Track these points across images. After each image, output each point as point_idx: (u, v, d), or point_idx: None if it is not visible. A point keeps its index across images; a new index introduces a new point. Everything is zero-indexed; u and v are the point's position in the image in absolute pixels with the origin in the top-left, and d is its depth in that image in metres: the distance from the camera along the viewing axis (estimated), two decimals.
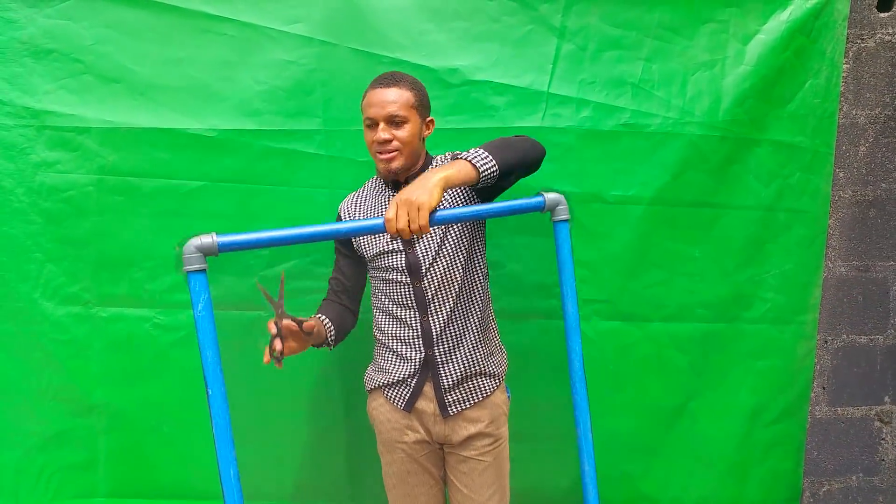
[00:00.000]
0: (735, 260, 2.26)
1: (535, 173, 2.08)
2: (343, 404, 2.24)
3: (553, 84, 2.13)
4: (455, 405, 1.75)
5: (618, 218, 2.18)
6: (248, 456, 2.16)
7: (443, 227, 1.70)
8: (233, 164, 2.11)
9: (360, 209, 1.81)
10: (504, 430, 1.83)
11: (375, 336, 1.85)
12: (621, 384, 2.27)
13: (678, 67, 2.16)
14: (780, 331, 2.31)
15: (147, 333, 2.13)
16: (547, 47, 2.13)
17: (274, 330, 1.46)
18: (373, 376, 1.85)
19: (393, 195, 1.72)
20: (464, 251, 1.73)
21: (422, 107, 1.68)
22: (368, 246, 1.76)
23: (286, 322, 1.49)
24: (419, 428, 1.78)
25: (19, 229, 2.07)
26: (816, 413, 2.46)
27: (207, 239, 1.34)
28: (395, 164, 1.65)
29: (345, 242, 1.82)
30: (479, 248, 1.79)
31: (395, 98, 1.62)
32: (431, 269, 1.70)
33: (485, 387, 1.79)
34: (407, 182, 1.71)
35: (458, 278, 1.72)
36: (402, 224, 1.39)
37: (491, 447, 1.78)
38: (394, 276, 1.73)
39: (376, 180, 1.83)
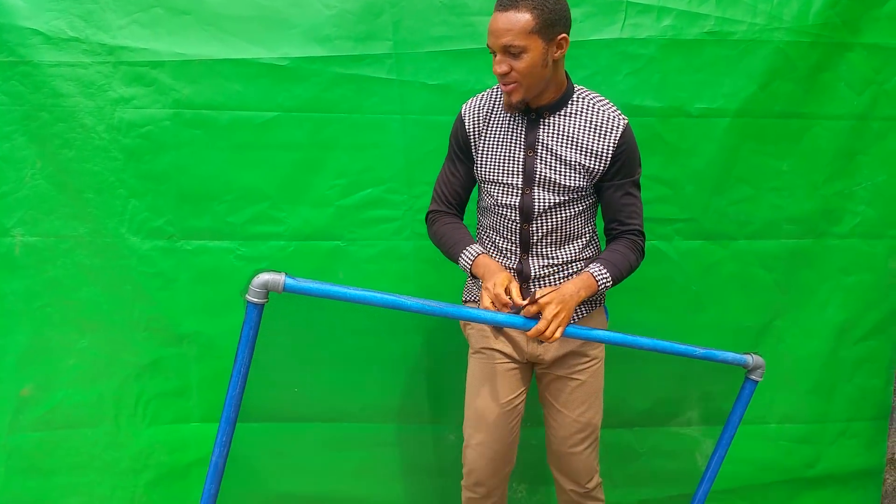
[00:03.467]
0: (824, 173, 2.21)
1: (614, 87, 2.07)
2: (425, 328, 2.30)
3: None
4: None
5: (702, 132, 2.14)
6: (332, 376, 2.28)
7: (565, 179, 1.64)
8: (304, 93, 2.13)
9: (489, 122, 1.69)
10: (599, 351, 1.82)
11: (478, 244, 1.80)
12: (703, 305, 2.28)
13: None
14: (871, 245, 2.27)
15: (231, 265, 2.22)
16: None
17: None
18: (471, 288, 1.87)
19: (527, 119, 1.64)
20: (579, 205, 1.69)
21: (547, 28, 1.48)
22: (486, 169, 1.70)
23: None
24: (510, 342, 1.78)
25: (103, 166, 2.14)
26: None
27: (277, 278, 1.43)
28: (516, 98, 1.55)
29: (464, 149, 1.73)
30: (594, 202, 1.75)
31: (510, 25, 1.46)
32: (543, 216, 1.67)
33: (580, 309, 1.77)
34: (542, 112, 1.62)
35: (568, 228, 1.70)
36: (549, 335, 1.50)
37: (585, 366, 1.78)
38: (503, 210, 1.69)
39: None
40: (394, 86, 2.13)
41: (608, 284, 1.63)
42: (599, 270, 1.62)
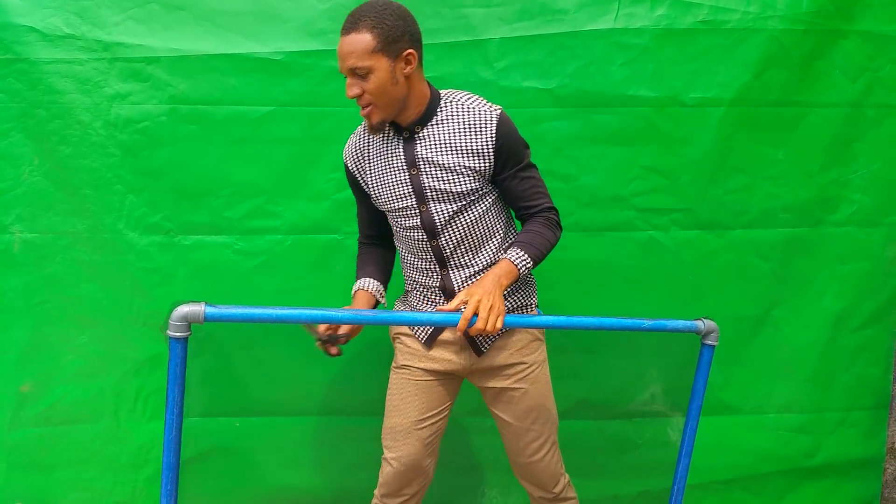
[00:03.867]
0: (820, 161, 2.22)
1: (608, 77, 2.07)
2: None
3: None
4: (486, 342, 1.70)
5: (697, 121, 2.15)
6: (331, 371, 2.30)
7: (455, 186, 1.60)
8: (299, 87, 2.15)
9: (367, 156, 1.68)
10: (538, 356, 1.76)
11: (402, 270, 1.81)
12: (701, 294, 2.29)
13: None
14: (868, 233, 2.28)
15: (228, 259, 2.23)
16: None
17: (334, 351, 1.64)
18: (399, 302, 1.85)
19: (402, 139, 1.61)
20: (479, 207, 1.64)
21: (389, 46, 1.46)
22: (380, 200, 1.69)
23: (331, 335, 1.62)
24: (440, 359, 1.73)
25: (100, 162, 2.16)
26: None
27: (196, 308, 1.35)
28: (375, 119, 1.53)
29: (357, 187, 1.74)
30: (495, 199, 1.69)
31: (352, 47, 1.45)
32: (447, 228, 1.63)
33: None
34: (413, 128, 1.59)
35: (477, 232, 1.65)
36: (482, 326, 1.43)
37: (524, 374, 1.72)
38: (409, 233, 1.67)
39: None
40: None
41: (528, 265, 1.57)
42: (516, 253, 1.57)
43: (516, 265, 1.56)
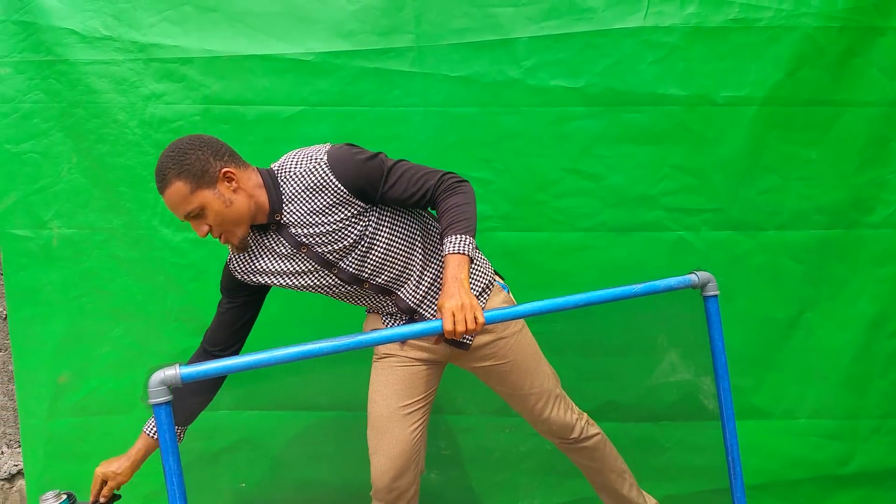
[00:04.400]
0: (855, 161, 2.18)
1: (638, 76, 2.07)
2: None
3: None
4: (468, 336, 1.71)
5: (728, 120, 2.13)
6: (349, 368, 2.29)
7: (345, 240, 1.58)
8: (329, 87, 2.19)
9: (255, 264, 1.65)
10: (514, 326, 1.75)
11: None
12: (732, 296, 2.25)
13: None
14: None
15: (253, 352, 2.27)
16: None
17: None
18: (369, 327, 1.83)
19: (274, 232, 1.60)
20: (383, 234, 1.62)
21: (202, 178, 1.47)
22: (296, 288, 1.67)
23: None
24: (419, 345, 1.74)
25: (135, 160, 2.23)
26: None
27: (171, 371, 1.35)
28: (236, 241, 1.56)
29: (237, 286, 1.71)
30: (392, 213, 1.65)
31: (172, 201, 1.48)
32: (366, 269, 1.63)
33: (480, 300, 1.71)
34: (273, 219, 1.58)
35: (397, 251, 1.64)
36: (462, 328, 1.42)
37: (504, 346, 1.74)
38: (342, 296, 1.69)
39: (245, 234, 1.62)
40: (416, 78, 2.17)
41: (469, 243, 1.50)
42: (452, 242, 1.50)
43: (461, 251, 1.49)
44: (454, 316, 1.41)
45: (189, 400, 1.75)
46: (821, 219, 2.21)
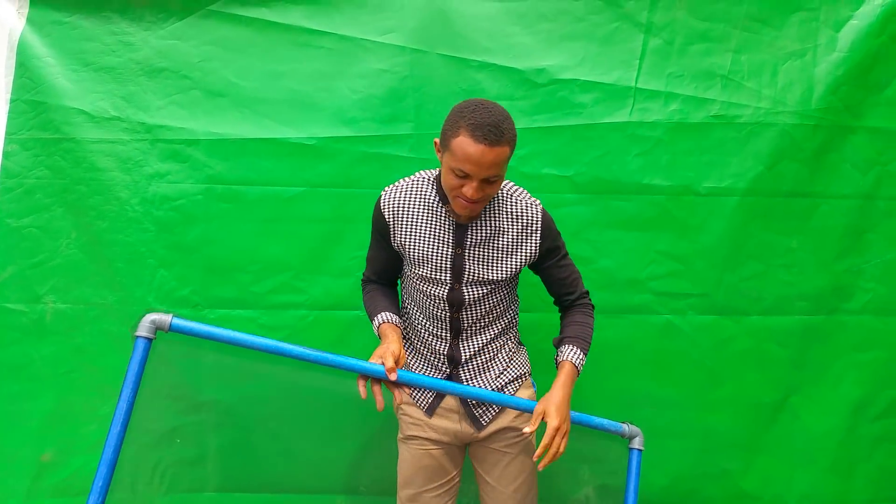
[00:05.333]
0: (834, 250, 2.31)
1: (624, 166, 2.20)
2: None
3: (640, 79, 2.23)
4: (485, 416, 1.79)
5: (711, 210, 2.26)
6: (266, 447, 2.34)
7: (493, 274, 1.70)
8: (330, 170, 2.29)
9: (409, 216, 1.70)
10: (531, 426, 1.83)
11: (405, 331, 1.86)
12: (719, 380, 2.33)
13: (768, 58, 2.24)
14: (884, 322, 2.33)
15: (252, 333, 2.30)
16: (633, 43, 2.24)
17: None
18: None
19: (450, 217, 1.68)
20: (506, 290, 1.77)
21: (511, 155, 1.57)
22: (414, 264, 1.72)
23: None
24: (440, 428, 1.80)
25: (134, 237, 2.29)
26: None
27: (164, 318, 1.57)
28: (474, 214, 1.64)
29: (385, 235, 1.75)
30: (515, 287, 1.84)
31: (496, 159, 1.48)
32: (472, 306, 1.73)
33: (509, 388, 1.82)
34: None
35: (496, 311, 1.77)
36: (552, 455, 1.58)
37: (516, 440, 1.80)
38: (432, 301, 1.74)
39: (430, 186, 1.71)
40: (414, 163, 2.28)
41: (583, 361, 1.70)
42: (575, 353, 1.69)
43: (576, 366, 1.68)
44: (554, 435, 1.56)
45: (389, 302, 1.82)
46: (803, 305, 2.31)
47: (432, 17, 2.24)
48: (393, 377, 1.55)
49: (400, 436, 1.88)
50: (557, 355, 1.72)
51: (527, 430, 1.57)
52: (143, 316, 1.56)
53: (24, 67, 2.21)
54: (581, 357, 1.70)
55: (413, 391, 1.83)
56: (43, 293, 2.29)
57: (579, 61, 2.25)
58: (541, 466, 1.57)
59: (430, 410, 1.80)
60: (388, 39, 2.24)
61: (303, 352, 1.61)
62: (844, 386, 2.34)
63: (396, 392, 1.61)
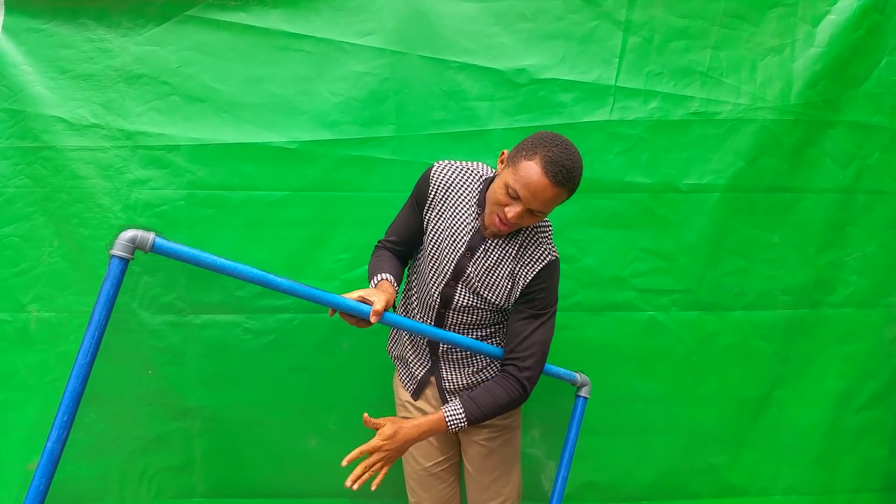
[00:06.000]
0: (815, 244, 2.34)
1: (605, 164, 2.23)
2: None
3: (620, 77, 2.26)
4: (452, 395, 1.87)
5: (692, 206, 2.29)
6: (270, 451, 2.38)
7: (486, 292, 1.73)
8: (312, 174, 2.30)
9: (449, 198, 1.74)
10: (512, 422, 1.91)
11: (401, 303, 1.94)
12: (704, 375, 2.37)
13: (746, 54, 2.27)
14: (866, 315, 2.37)
15: (238, 338, 2.33)
16: (613, 42, 2.26)
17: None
18: (391, 343, 2.01)
19: (479, 223, 1.71)
20: (494, 321, 1.80)
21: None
22: (429, 245, 1.77)
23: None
24: (423, 412, 1.88)
25: None
26: None
27: (146, 235, 1.41)
28: (499, 235, 1.68)
29: (420, 203, 1.78)
30: (504, 327, 1.85)
31: (549, 197, 1.51)
32: (460, 311, 1.77)
33: (497, 423, 1.88)
34: (495, 232, 1.68)
35: (483, 330, 1.81)
36: (358, 475, 1.58)
37: (496, 434, 1.88)
38: (428, 288, 1.79)
39: (478, 181, 1.74)
40: (396, 166, 2.30)
41: (461, 425, 1.64)
42: (455, 412, 1.65)
43: (448, 423, 1.64)
44: (372, 449, 1.59)
45: (392, 264, 1.83)
46: (786, 299, 2.35)
47: (411, 18, 2.25)
48: (374, 320, 1.58)
49: (397, 416, 1.98)
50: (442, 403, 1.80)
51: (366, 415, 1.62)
52: (120, 232, 1.41)
53: (1, 76, 2.21)
54: (460, 417, 1.64)
55: (402, 374, 1.95)
56: (27, 302, 2.30)
57: (559, 60, 2.27)
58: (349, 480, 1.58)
59: (415, 395, 1.92)
60: (367, 42, 2.25)
61: (291, 285, 1.59)
62: (828, 379, 2.39)
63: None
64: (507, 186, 1.53)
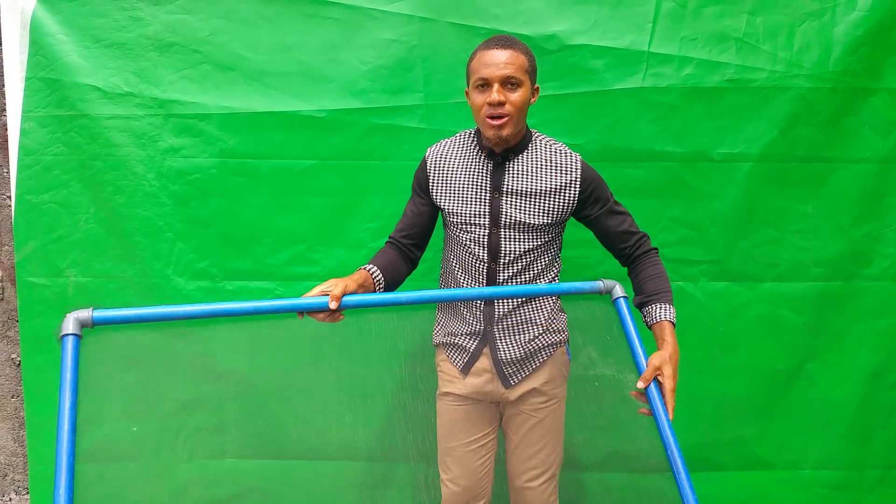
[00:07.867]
0: (851, 215, 2.32)
1: (636, 133, 2.23)
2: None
3: (654, 43, 2.25)
4: (515, 376, 1.86)
5: (724, 176, 2.28)
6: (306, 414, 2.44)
7: (531, 218, 1.76)
8: (341, 143, 2.35)
9: (450, 167, 1.81)
10: (561, 391, 1.93)
11: (444, 284, 1.96)
12: (732, 346, 2.38)
13: (784, 19, 2.24)
14: None
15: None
16: (646, 6, 2.25)
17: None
18: (438, 332, 1.98)
19: (492, 164, 1.77)
20: (544, 245, 1.81)
21: (533, 72, 1.70)
22: (452, 211, 1.80)
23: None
24: (473, 386, 1.89)
25: (152, 211, 2.38)
26: None
27: (84, 314, 1.45)
28: (506, 131, 1.67)
29: (424, 188, 1.86)
30: (559, 240, 1.89)
31: (511, 60, 1.63)
32: (509, 256, 1.78)
33: (542, 353, 1.88)
34: (506, 154, 1.76)
35: (535, 268, 1.81)
36: (670, 386, 1.58)
37: (544, 405, 1.89)
38: (470, 251, 1.80)
39: (470, 139, 1.84)
40: (424, 134, 2.33)
41: (675, 314, 1.74)
42: (668, 311, 1.72)
43: (673, 323, 1.72)
44: (669, 393, 1.57)
45: (385, 260, 1.83)
46: (819, 271, 2.34)
47: None
48: (334, 305, 1.55)
49: (438, 392, 1.99)
50: (645, 317, 1.78)
51: (640, 385, 1.58)
52: (64, 317, 1.44)
53: (38, 45, 2.29)
54: (672, 312, 1.73)
55: (450, 352, 1.93)
56: (64, 267, 2.40)
57: (591, 26, 2.27)
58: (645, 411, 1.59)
59: (466, 369, 1.89)
60: (395, 8, 2.27)
61: (236, 308, 1.56)
62: (862, 353, 2.38)
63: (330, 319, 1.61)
64: (477, 88, 1.67)
